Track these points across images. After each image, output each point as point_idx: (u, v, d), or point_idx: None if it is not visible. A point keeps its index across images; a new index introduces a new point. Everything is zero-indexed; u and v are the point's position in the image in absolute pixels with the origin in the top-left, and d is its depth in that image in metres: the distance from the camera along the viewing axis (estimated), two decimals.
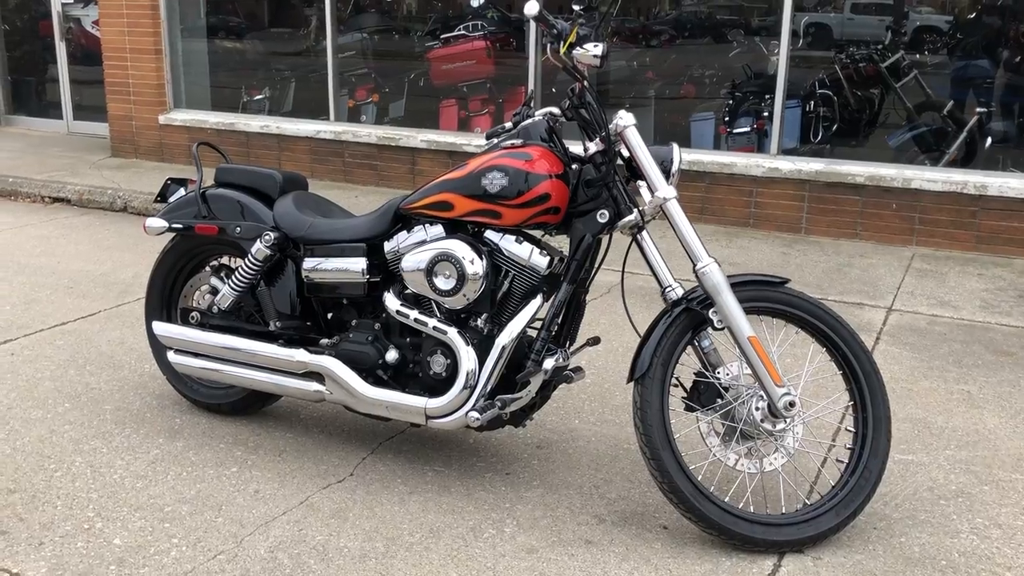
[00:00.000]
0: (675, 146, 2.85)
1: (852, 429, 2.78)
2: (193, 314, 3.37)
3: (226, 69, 8.77)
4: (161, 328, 3.35)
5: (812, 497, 2.91)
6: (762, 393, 2.71)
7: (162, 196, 3.49)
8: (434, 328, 2.89)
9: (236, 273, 3.24)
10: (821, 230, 6.22)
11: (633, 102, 7.46)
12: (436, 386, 2.93)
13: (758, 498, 2.88)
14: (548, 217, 2.82)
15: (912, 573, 2.57)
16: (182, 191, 3.49)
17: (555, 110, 3.02)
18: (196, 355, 3.29)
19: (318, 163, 7.89)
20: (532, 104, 3.17)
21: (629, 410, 3.56)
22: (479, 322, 2.91)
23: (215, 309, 3.31)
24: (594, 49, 2.65)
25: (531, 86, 7.07)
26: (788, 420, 2.70)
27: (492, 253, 2.89)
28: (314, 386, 3.08)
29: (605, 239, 2.90)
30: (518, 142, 2.88)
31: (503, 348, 2.82)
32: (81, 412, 3.53)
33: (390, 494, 2.96)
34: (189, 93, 8.66)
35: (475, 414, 2.78)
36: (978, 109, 6.49)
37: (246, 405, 3.44)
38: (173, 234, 3.39)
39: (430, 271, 2.88)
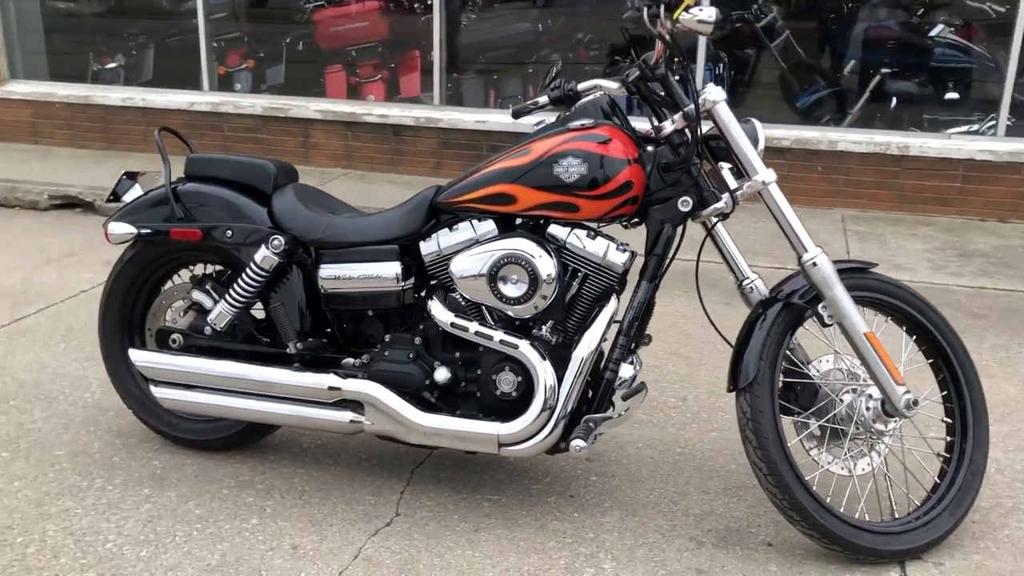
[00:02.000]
0: (756, 122, 2.56)
1: (948, 420, 2.62)
2: (174, 336, 2.80)
3: (67, 33, 7.73)
4: (143, 357, 2.77)
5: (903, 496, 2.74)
6: (871, 391, 2.50)
7: (115, 194, 2.88)
8: (501, 342, 2.49)
9: (235, 287, 2.70)
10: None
11: (532, 66, 7.13)
12: (501, 408, 2.55)
13: (853, 503, 2.68)
14: (628, 208, 2.48)
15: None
16: (136, 188, 2.89)
17: (607, 83, 2.66)
18: (189, 387, 2.73)
19: (193, 138, 7.05)
20: (558, 75, 2.78)
21: (666, 409, 3.29)
22: (545, 331, 2.54)
23: (207, 330, 2.76)
24: (705, 14, 2.29)
25: (436, 49, 6.59)
26: (902, 419, 2.50)
27: (559, 252, 2.51)
28: (349, 416, 2.61)
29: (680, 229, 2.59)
30: (589, 122, 2.50)
31: (582, 360, 2.47)
32: (27, 463, 2.89)
33: (453, 535, 2.56)
34: (27, 62, 7.58)
35: (580, 442, 2.41)
36: (883, 70, 6.58)
37: (242, 440, 2.92)
38: (135, 241, 2.80)
39: (494, 276, 2.47)
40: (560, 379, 2.47)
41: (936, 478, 2.59)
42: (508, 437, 2.49)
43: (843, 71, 6.79)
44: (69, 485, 2.77)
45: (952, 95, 6.57)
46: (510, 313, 2.52)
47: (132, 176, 2.90)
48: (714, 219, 2.57)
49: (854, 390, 2.54)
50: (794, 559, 2.48)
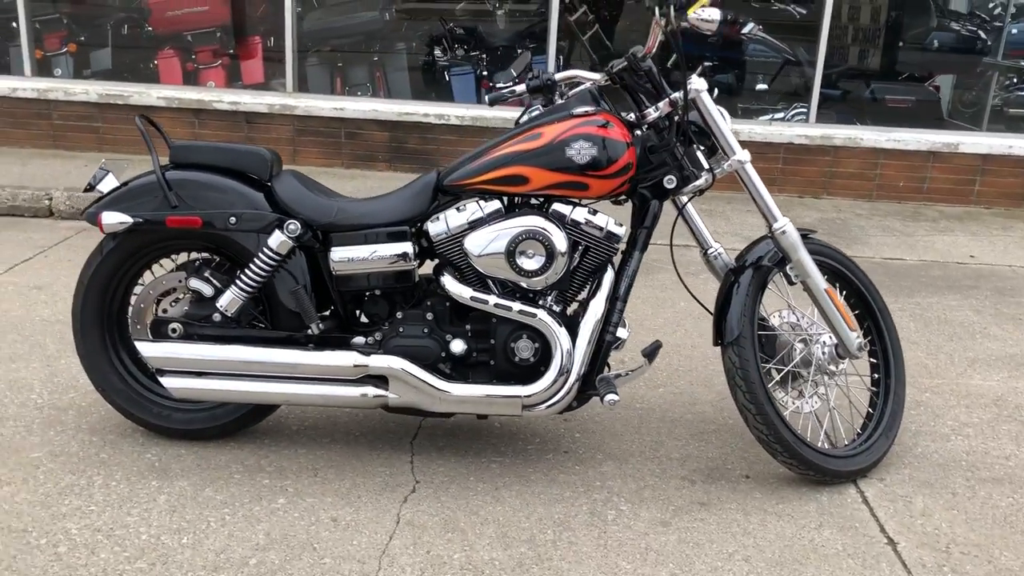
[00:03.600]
0: (724, 111, 2.91)
1: (874, 360, 3.11)
2: (173, 326, 2.77)
3: None
4: (156, 348, 2.71)
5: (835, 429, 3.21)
6: (824, 338, 2.94)
7: (91, 184, 2.80)
8: (520, 311, 2.70)
9: (246, 272, 2.72)
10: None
11: (378, 55, 7.22)
12: (515, 373, 2.76)
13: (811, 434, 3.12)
14: (625, 187, 2.76)
15: (946, 473, 2.98)
16: (111, 177, 2.82)
17: (586, 74, 2.92)
18: (201, 375, 2.72)
19: (16, 127, 6.61)
20: (530, 66, 3.02)
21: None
22: (551, 300, 2.77)
23: (216, 316, 2.75)
24: (708, 14, 2.60)
25: (288, 35, 6.53)
26: (853, 359, 2.95)
27: (565, 227, 2.75)
28: (373, 391, 2.72)
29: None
30: (591, 108, 2.75)
31: (593, 325, 2.73)
32: (6, 468, 2.75)
33: (477, 494, 2.74)
34: None
35: (613, 396, 2.67)
36: (704, 64, 7.25)
37: (239, 426, 2.93)
38: (122, 230, 2.74)
39: (512, 251, 2.67)
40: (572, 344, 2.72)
41: (869, 409, 3.08)
42: (531, 399, 2.71)
43: (665, 64, 7.43)
44: (66, 485, 2.68)
45: (762, 86, 7.38)
46: (523, 285, 2.73)
47: (102, 167, 2.82)
48: (684, 198, 2.90)
49: (805, 339, 2.97)
50: (771, 487, 2.88)
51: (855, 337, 2.91)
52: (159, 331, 2.79)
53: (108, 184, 2.80)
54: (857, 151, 6.50)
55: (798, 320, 2.99)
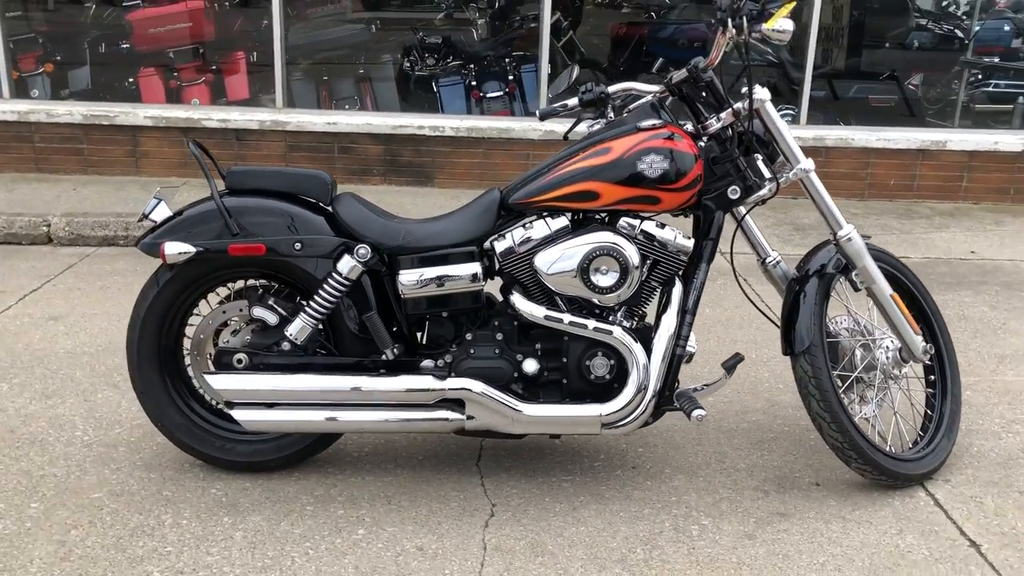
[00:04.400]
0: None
1: (930, 363, 3.14)
2: (239, 357, 2.69)
3: None
4: (227, 381, 2.63)
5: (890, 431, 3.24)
6: (887, 343, 2.96)
7: (144, 214, 2.71)
8: (595, 329, 2.68)
9: (316, 299, 2.65)
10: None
11: (364, 67, 7.15)
12: (588, 391, 2.73)
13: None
14: (694, 199, 2.75)
15: (1007, 471, 3.02)
16: (163, 205, 2.73)
17: (641, 86, 2.91)
18: (272, 406, 2.65)
19: None
20: (575, 77, 3.00)
21: None
22: (621, 316, 2.75)
23: (285, 345, 2.68)
24: (780, 25, 2.60)
25: (277, 51, 6.42)
26: (917, 362, 2.97)
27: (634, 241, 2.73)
28: (450, 415, 2.67)
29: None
30: (657, 122, 2.73)
31: (667, 340, 2.71)
32: (70, 511, 2.65)
33: (557, 515, 2.71)
34: None
35: (700, 411, 2.65)
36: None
37: (304, 456, 2.86)
38: (185, 260, 2.65)
39: (586, 268, 2.64)
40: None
41: (927, 410, 3.11)
42: (610, 417, 2.68)
43: (652, 70, 7.47)
44: (136, 526, 2.59)
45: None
46: (595, 301, 2.70)
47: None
48: (743, 209, 2.90)
49: (867, 344, 2.98)
50: (843, 493, 2.88)
51: (920, 341, 2.93)
52: (222, 362, 2.71)
53: (160, 213, 2.71)
54: (849, 151, 6.59)
55: (858, 325, 3.00)
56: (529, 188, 2.73)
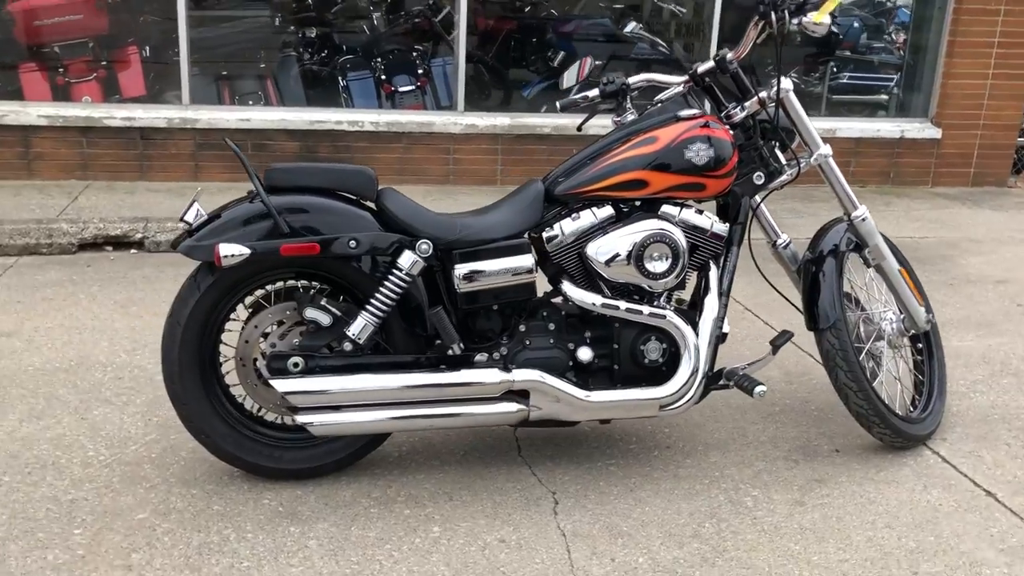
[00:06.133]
0: None
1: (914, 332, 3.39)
2: (295, 360, 2.59)
3: None
4: (296, 385, 2.52)
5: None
6: (889, 315, 3.18)
7: (188, 221, 2.57)
8: (650, 314, 2.75)
9: (377, 297, 2.59)
10: (515, 179, 6.65)
11: (264, 63, 6.93)
12: (641, 376, 2.80)
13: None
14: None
15: (989, 427, 3.31)
16: (196, 207, 2.60)
17: (663, 77, 3.01)
18: (336, 408, 2.56)
19: None
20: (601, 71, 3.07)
21: None
22: (664, 301, 2.84)
23: (347, 345, 2.60)
24: (826, 17, 2.73)
25: (182, 46, 6.12)
26: (920, 332, 3.21)
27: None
28: (515, 406, 2.67)
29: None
30: (696, 111, 2.82)
31: (712, 322, 2.82)
32: (119, 534, 2.48)
33: (618, 498, 2.76)
34: None
35: (762, 387, 2.75)
36: (589, 59, 7.47)
37: (355, 458, 2.79)
38: (237, 262, 2.53)
39: (640, 255, 2.71)
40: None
41: (918, 375, 3.36)
42: (667, 399, 2.76)
43: (555, 62, 7.60)
44: (200, 544, 2.45)
45: None
46: (646, 287, 2.77)
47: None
48: (760, 195, 3.04)
49: (868, 317, 3.19)
50: (863, 457, 3.08)
51: (923, 312, 3.16)
52: (274, 367, 2.60)
53: (194, 214, 2.57)
54: None
55: (861, 299, 3.21)
56: (576, 179, 2.76)
